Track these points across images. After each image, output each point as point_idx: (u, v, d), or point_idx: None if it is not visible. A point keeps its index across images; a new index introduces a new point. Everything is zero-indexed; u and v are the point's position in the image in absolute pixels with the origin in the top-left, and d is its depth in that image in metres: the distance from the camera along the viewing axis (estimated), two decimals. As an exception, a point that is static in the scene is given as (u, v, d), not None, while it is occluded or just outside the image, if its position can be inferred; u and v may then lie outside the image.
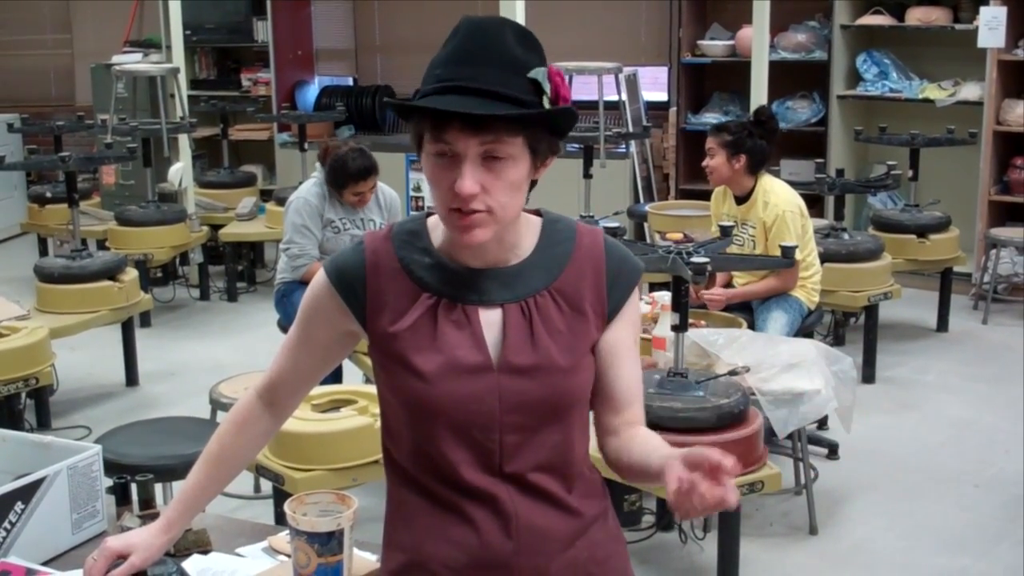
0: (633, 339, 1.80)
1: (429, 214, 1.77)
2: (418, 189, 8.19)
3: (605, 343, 1.75)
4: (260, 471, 3.63)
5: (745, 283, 5.07)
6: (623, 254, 1.78)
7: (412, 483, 1.72)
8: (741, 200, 5.03)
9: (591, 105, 7.01)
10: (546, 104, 1.64)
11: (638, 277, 1.79)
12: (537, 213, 1.77)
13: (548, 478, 1.71)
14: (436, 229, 1.73)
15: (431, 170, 1.63)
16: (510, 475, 1.68)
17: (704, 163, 5.04)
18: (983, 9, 7.05)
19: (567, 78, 7.52)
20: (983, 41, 7.05)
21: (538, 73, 1.63)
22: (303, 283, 4.86)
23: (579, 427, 1.76)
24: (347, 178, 4.91)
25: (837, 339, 6.30)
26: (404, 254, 1.71)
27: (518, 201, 1.66)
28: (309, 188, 5.05)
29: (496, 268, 1.70)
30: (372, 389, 3.61)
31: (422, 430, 1.68)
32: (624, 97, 8.03)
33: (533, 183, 1.70)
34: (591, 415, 1.80)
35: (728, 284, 5.14)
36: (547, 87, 1.63)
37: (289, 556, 2.07)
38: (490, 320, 1.69)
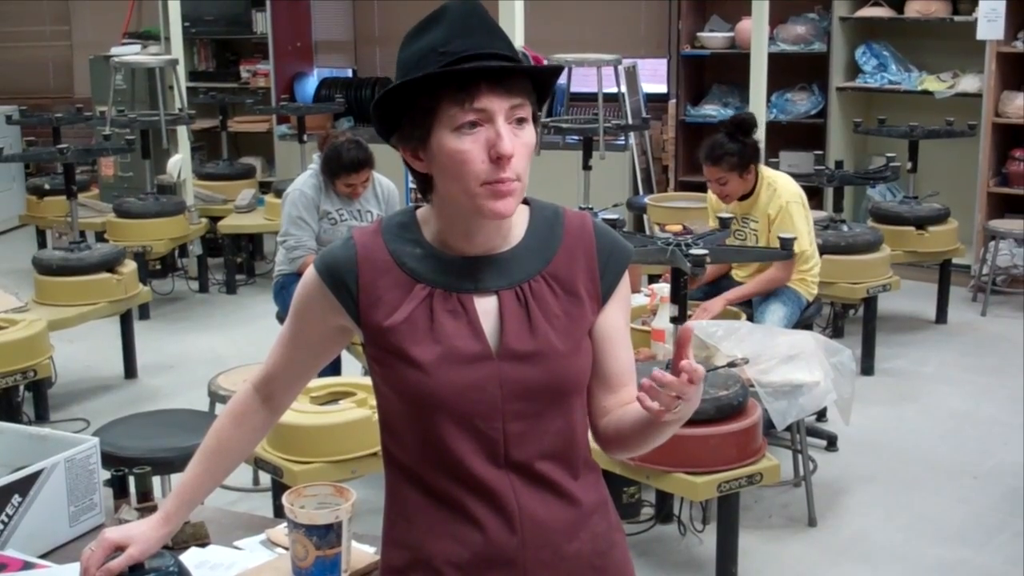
0: (625, 321, 1.80)
1: (416, 207, 1.76)
2: (418, 181, 8.17)
3: (600, 326, 1.75)
4: (259, 464, 3.63)
5: (745, 276, 5.05)
6: (613, 237, 1.78)
7: (414, 479, 1.71)
8: (743, 196, 4.99)
9: (590, 97, 7.00)
10: None
11: (629, 259, 1.79)
12: (524, 201, 1.76)
13: (554, 466, 1.71)
14: (426, 222, 1.72)
15: (457, 146, 1.59)
16: (516, 464, 1.68)
17: (715, 192, 4.93)
18: (982, 1, 7.04)
19: (567, 70, 7.45)
20: (982, 33, 7.05)
21: (520, 48, 1.66)
22: (301, 275, 4.86)
23: (580, 413, 1.76)
24: (340, 168, 4.92)
25: (836, 331, 6.30)
26: (395, 247, 1.70)
27: (528, 172, 1.66)
28: (305, 180, 5.05)
29: (489, 255, 1.70)
30: (370, 381, 3.60)
31: (425, 424, 1.67)
32: (623, 89, 8.01)
33: None
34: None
35: (726, 275, 5.13)
36: (530, 61, 1.66)
37: (287, 549, 2.07)
38: (486, 308, 1.68)
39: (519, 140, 1.61)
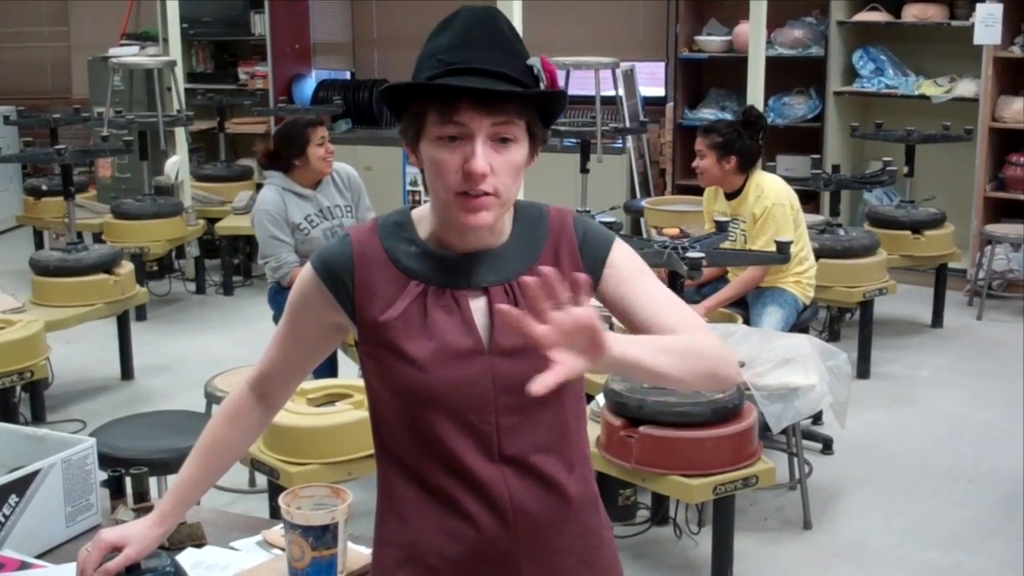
0: (635, 273, 1.75)
1: (412, 207, 1.79)
2: (415, 183, 8.14)
3: (604, 295, 1.75)
4: (255, 465, 3.63)
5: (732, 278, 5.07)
6: (589, 227, 1.79)
7: (407, 474, 1.72)
8: (731, 196, 5.03)
9: (588, 100, 7.00)
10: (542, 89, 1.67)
11: (609, 243, 1.78)
12: None
13: (548, 459, 1.72)
14: (421, 221, 1.74)
15: (436, 155, 1.63)
16: (510, 458, 1.69)
17: (694, 164, 5.05)
18: (979, 6, 7.05)
19: (564, 73, 7.45)
20: (979, 38, 7.05)
21: (534, 61, 1.65)
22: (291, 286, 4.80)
23: (572, 405, 1.77)
24: (303, 131, 4.82)
25: (832, 334, 6.30)
26: (390, 244, 1.72)
27: (518, 185, 1.68)
28: (264, 197, 4.90)
29: (480, 252, 1.72)
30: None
31: (418, 418, 1.69)
32: (621, 92, 8.02)
33: None
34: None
35: (722, 276, 5.13)
36: (543, 75, 1.66)
37: (283, 550, 2.07)
38: (478, 304, 1.70)
39: (501, 158, 1.63)
